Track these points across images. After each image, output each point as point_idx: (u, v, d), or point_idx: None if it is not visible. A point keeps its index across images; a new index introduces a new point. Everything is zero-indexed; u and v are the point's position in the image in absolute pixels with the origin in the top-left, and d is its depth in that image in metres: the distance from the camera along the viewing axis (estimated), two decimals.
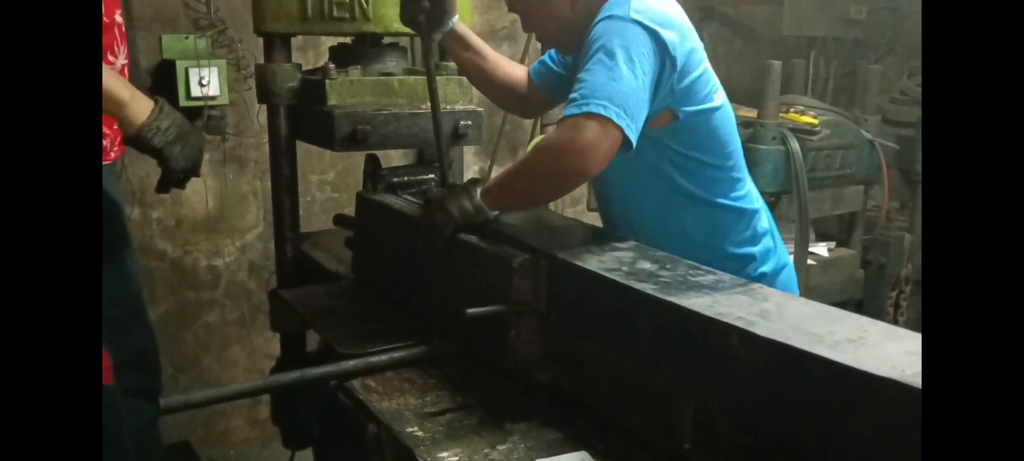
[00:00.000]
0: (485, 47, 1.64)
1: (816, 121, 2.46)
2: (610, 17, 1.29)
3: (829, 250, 2.66)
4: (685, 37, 1.33)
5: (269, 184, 2.80)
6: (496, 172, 1.83)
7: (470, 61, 1.64)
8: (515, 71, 1.71)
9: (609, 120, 1.22)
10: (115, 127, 1.56)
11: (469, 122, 1.75)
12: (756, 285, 1.08)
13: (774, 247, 1.58)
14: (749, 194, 1.53)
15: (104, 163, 1.60)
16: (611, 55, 1.26)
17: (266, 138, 2.73)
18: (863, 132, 2.58)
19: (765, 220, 1.57)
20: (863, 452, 0.80)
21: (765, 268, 1.53)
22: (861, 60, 3.06)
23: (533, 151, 1.37)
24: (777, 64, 2.38)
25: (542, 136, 2.24)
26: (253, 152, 2.77)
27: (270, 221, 2.85)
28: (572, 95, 1.26)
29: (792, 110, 2.51)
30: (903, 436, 0.75)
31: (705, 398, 0.96)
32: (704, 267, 1.16)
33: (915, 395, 0.74)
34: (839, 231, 2.78)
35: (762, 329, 0.90)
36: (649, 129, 1.32)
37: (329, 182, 2.95)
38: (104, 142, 1.60)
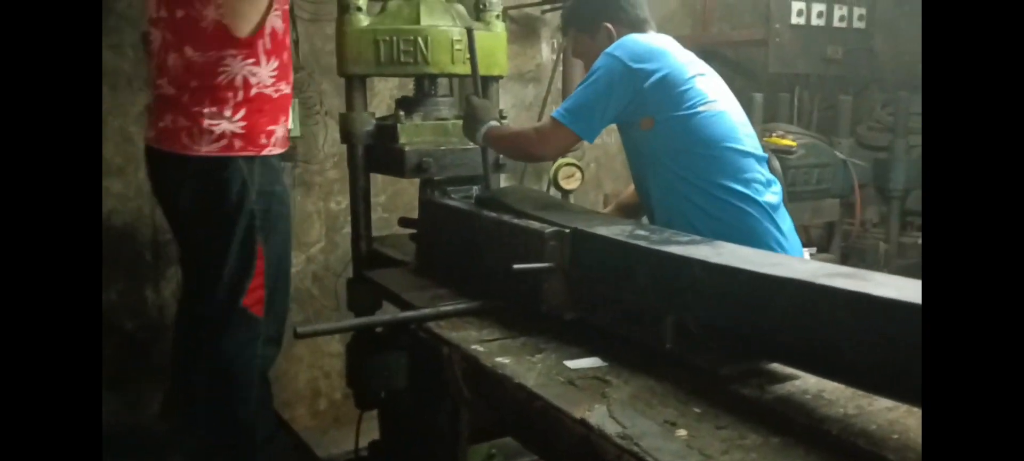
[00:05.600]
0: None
1: (794, 143, 2.91)
2: (603, 53, 1.94)
3: (810, 255, 3.09)
4: (662, 65, 1.85)
5: (331, 205, 3.31)
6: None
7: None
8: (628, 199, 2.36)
9: (560, 123, 1.93)
10: (283, 121, 2.04)
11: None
12: (719, 242, 1.53)
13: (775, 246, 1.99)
14: (751, 194, 1.96)
15: (277, 152, 2.06)
16: (587, 79, 1.94)
17: (328, 166, 3.24)
18: (837, 153, 3.02)
19: (774, 223, 1.99)
20: (780, 327, 1.24)
21: None
22: (842, 94, 3.51)
23: (520, 128, 2.17)
24: (759, 96, 2.84)
25: (563, 158, 2.71)
26: (318, 177, 3.26)
27: (332, 237, 3.34)
28: None
29: (775, 134, 2.97)
30: (806, 313, 1.18)
31: (681, 312, 1.40)
32: (684, 233, 1.61)
33: (808, 287, 1.18)
34: (822, 239, 3.21)
35: (715, 259, 1.34)
36: (640, 132, 1.87)
37: (380, 204, 3.43)
38: (279, 131, 2.05)
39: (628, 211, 2.34)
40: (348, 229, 3.21)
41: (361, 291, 2.26)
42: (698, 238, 1.56)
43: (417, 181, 2.28)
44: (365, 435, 2.57)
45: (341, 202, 3.33)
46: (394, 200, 3.46)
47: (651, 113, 1.92)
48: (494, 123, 2.08)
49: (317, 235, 3.32)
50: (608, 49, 1.94)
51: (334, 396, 3.47)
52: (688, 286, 1.38)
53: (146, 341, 3.01)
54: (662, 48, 1.95)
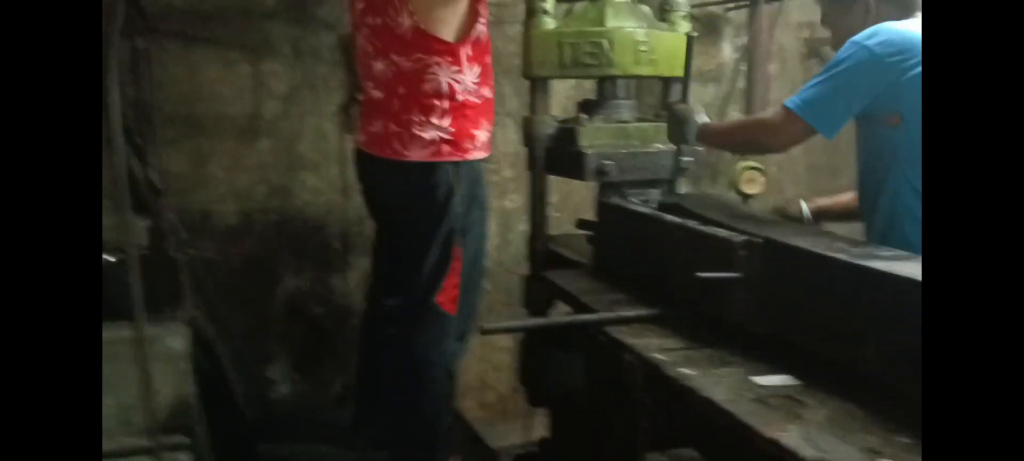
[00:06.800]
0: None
1: None
2: (850, 41, 1.78)
3: None
4: (920, 59, 1.71)
5: (505, 203, 3.37)
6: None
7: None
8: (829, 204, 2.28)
9: (794, 113, 1.76)
10: (486, 125, 2.11)
11: (690, 159, 2.19)
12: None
13: None
14: None
15: (481, 156, 2.14)
16: (829, 68, 1.77)
17: (504, 165, 3.30)
18: None
19: None
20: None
21: None
22: None
23: (742, 120, 1.97)
24: None
25: (745, 161, 2.60)
26: (494, 176, 3.33)
27: (505, 235, 3.41)
28: None
29: None
30: None
31: (884, 332, 1.31)
32: (887, 248, 1.51)
33: None
34: None
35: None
36: (885, 128, 1.79)
37: (552, 204, 3.44)
38: (483, 136, 2.13)
39: (828, 215, 2.21)
40: (521, 227, 3.28)
41: (536, 289, 2.29)
42: (904, 253, 1.46)
43: (591, 182, 2.28)
44: (534, 432, 2.60)
45: (515, 200, 3.39)
46: (566, 200, 3.47)
47: (900, 110, 1.76)
48: (706, 119, 2.01)
49: (492, 232, 3.39)
50: (858, 38, 1.77)
51: (502, 389, 3.54)
52: (893, 305, 1.29)
53: (332, 327, 3.20)
54: (908, 40, 1.75)
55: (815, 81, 1.80)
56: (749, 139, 1.96)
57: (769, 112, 1.90)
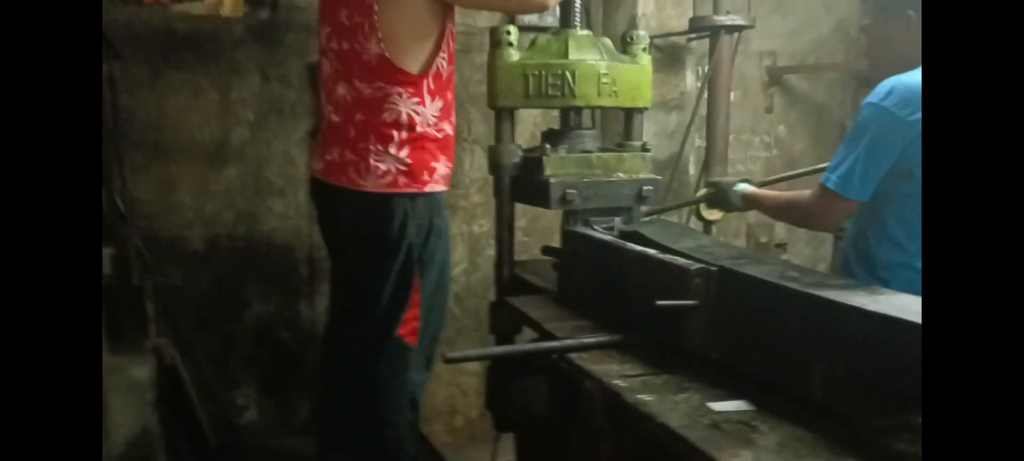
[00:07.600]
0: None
1: None
2: (866, 103, 1.81)
3: None
4: None
5: (474, 228, 3.41)
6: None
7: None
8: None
9: (836, 194, 1.84)
10: (445, 160, 2.12)
11: (651, 188, 2.25)
12: (877, 287, 1.47)
13: None
14: None
15: (439, 190, 2.15)
16: (854, 137, 1.81)
17: (473, 191, 3.34)
18: None
19: None
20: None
21: None
22: None
23: (794, 197, 2.09)
24: None
25: (705, 189, 2.66)
26: (462, 201, 3.37)
27: (474, 259, 3.44)
28: None
29: None
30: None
31: (833, 359, 1.36)
32: (837, 277, 1.56)
33: None
34: None
35: (872, 307, 1.30)
36: (891, 179, 1.81)
37: (520, 228, 3.50)
38: (441, 169, 2.14)
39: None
40: (489, 251, 3.31)
41: (503, 315, 2.32)
42: (853, 282, 1.51)
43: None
44: (502, 456, 2.62)
45: (483, 225, 3.42)
46: (534, 224, 3.52)
47: (912, 166, 1.77)
48: (744, 186, 2.23)
49: (460, 257, 3.42)
50: (874, 99, 1.79)
51: (471, 414, 3.56)
52: (842, 333, 1.34)
53: (299, 351, 3.20)
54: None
55: (845, 153, 1.85)
56: (800, 219, 2.10)
57: (810, 195, 1.98)
